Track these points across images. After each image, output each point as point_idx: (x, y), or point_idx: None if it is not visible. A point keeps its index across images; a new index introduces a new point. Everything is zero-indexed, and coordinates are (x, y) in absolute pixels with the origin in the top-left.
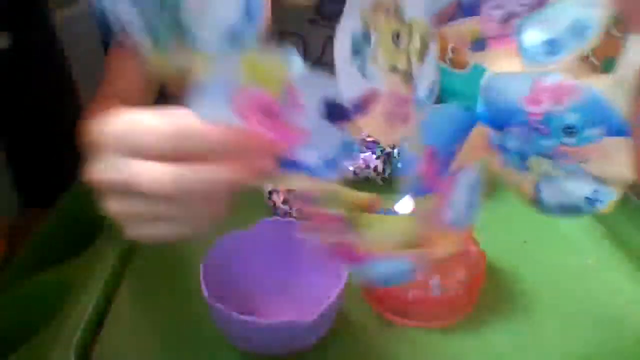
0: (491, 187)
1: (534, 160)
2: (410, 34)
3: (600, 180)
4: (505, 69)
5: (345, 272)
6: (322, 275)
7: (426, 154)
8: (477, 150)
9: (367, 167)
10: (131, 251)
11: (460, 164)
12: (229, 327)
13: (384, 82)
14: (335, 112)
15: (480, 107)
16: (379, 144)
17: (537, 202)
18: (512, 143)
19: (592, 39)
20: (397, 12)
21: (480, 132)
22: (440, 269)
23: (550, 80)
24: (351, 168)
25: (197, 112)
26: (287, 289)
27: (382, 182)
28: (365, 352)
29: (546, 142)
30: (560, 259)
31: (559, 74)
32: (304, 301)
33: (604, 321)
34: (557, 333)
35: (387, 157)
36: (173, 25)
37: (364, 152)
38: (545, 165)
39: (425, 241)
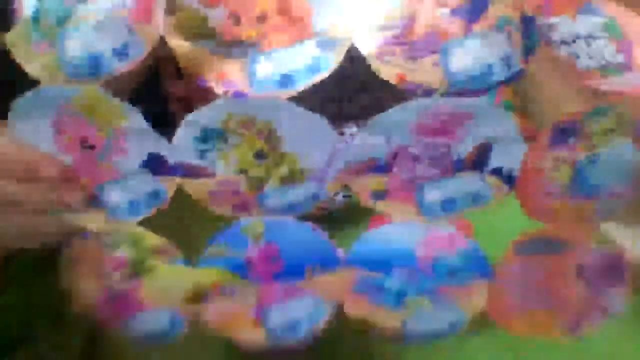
0: None
1: (412, 299)
2: (279, 161)
3: (460, 309)
4: (402, 217)
5: None
6: None
7: (263, 247)
8: (336, 293)
9: None
10: None
11: (314, 290)
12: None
13: (223, 172)
14: (158, 166)
15: (357, 250)
16: None
17: (400, 335)
18: (394, 283)
19: (487, 202)
20: (272, 140)
21: (343, 277)
22: None
23: (443, 231)
24: None
25: (19, 127)
26: None
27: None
28: (365, 351)
29: (429, 284)
30: None
31: (450, 226)
32: None
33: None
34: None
35: None
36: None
37: None
38: (422, 302)
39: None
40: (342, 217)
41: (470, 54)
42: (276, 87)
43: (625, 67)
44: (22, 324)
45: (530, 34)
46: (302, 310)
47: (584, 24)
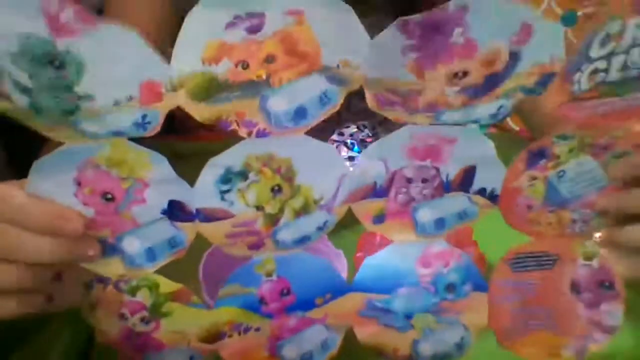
0: None
1: (419, 317)
2: (294, 193)
3: (465, 327)
4: (399, 238)
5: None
6: None
7: (275, 283)
8: (346, 318)
9: None
10: None
11: (325, 319)
12: None
13: (242, 211)
14: (179, 212)
15: (362, 275)
16: None
17: (412, 357)
18: (399, 304)
19: (474, 218)
20: (288, 173)
21: (352, 302)
22: None
23: (437, 248)
24: None
25: (39, 184)
26: None
27: None
28: (365, 351)
29: (432, 300)
30: None
31: (444, 243)
32: None
33: None
34: None
35: None
36: (54, 119)
37: None
38: (429, 320)
39: None
40: (339, 222)
41: (462, 116)
42: (292, 120)
43: None
44: None
45: (542, 85)
46: (314, 340)
47: None
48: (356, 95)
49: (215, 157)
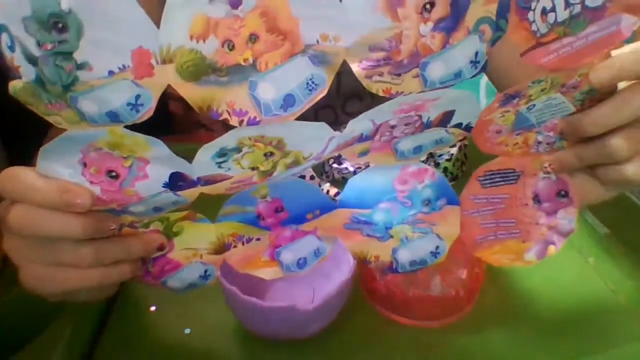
0: None
1: (397, 228)
2: (285, 155)
3: (440, 237)
4: (382, 163)
5: (352, 266)
6: (336, 267)
7: (270, 203)
8: (334, 230)
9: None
10: None
11: (317, 231)
12: (236, 307)
13: (238, 173)
14: (181, 182)
15: (347, 193)
16: None
17: (392, 264)
18: (380, 216)
19: (449, 143)
20: (279, 145)
21: (339, 217)
22: (440, 269)
23: (413, 167)
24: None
25: (47, 169)
26: (304, 279)
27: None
28: (365, 350)
29: (409, 212)
30: (560, 259)
31: (420, 164)
32: (318, 292)
33: (604, 321)
34: (556, 333)
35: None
36: (55, 94)
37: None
38: (405, 230)
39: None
40: None
41: (445, 65)
42: (282, 107)
43: (595, 16)
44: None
45: (503, 16)
46: (308, 248)
47: None
48: (352, 97)
49: (208, 144)
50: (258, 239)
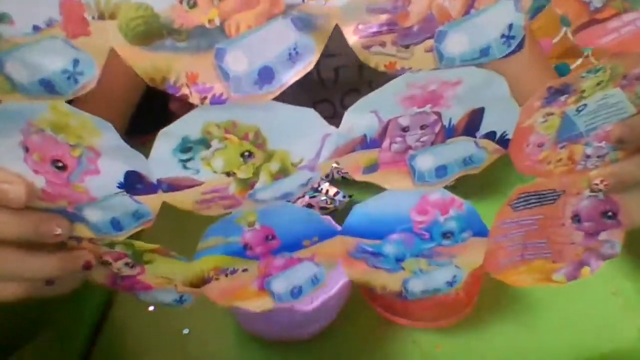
0: (491, 187)
1: (411, 261)
2: (268, 158)
3: (458, 267)
4: (395, 186)
5: None
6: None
7: (259, 231)
8: (334, 257)
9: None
10: None
11: (315, 258)
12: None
13: (210, 178)
14: (138, 184)
15: (352, 221)
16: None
17: (401, 293)
18: (391, 248)
19: (481, 165)
20: (258, 140)
21: (341, 244)
22: None
23: (436, 195)
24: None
25: None
26: None
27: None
28: (365, 351)
29: (426, 245)
30: None
31: (445, 191)
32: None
33: (604, 321)
34: (556, 333)
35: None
36: None
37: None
38: (420, 263)
39: None
40: (343, 217)
41: (468, 37)
42: (256, 84)
43: None
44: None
45: None
46: (304, 275)
47: None
48: (352, 92)
49: (166, 127)
50: (245, 270)
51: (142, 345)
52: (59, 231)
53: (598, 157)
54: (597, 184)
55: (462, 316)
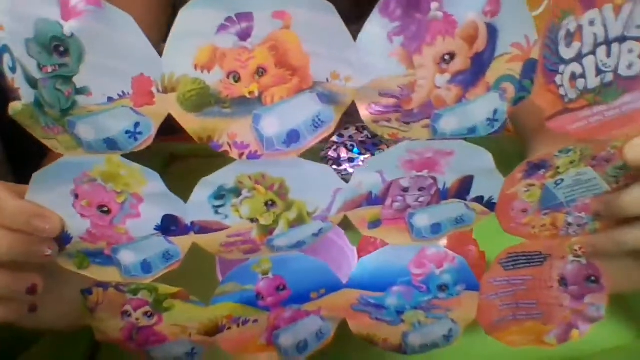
0: None
1: (410, 313)
2: (288, 207)
3: (453, 321)
4: (396, 241)
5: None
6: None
7: (272, 280)
8: (339, 311)
9: None
10: None
11: (321, 312)
12: None
13: (236, 223)
14: (173, 226)
15: (357, 274)
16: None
17: (401, 347)
18: (392, 300)
19: (471, 224)
20: (281, 190)
21: (346, 297)
22: None
23: (432, 250)
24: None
25: (38, 188)
26: None
27: None
28: (364, 351)
29: (424, 298)
30: None
31: (439, 246)
32: None
33: (604, 321)
34: None
35: None
36: (53, 117)
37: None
38: (419, 315)
39: None
40: (342, 224)
41: (458, 119)
42: (285, 144)
43: (629, 85)
44: None
45: (528, 76)
46: (309, 330)
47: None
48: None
49: (207, 177)
50: (255, 321)
51: None
52: (48, 252)
53: (578, 225)
54: (576, 250)
55: None
